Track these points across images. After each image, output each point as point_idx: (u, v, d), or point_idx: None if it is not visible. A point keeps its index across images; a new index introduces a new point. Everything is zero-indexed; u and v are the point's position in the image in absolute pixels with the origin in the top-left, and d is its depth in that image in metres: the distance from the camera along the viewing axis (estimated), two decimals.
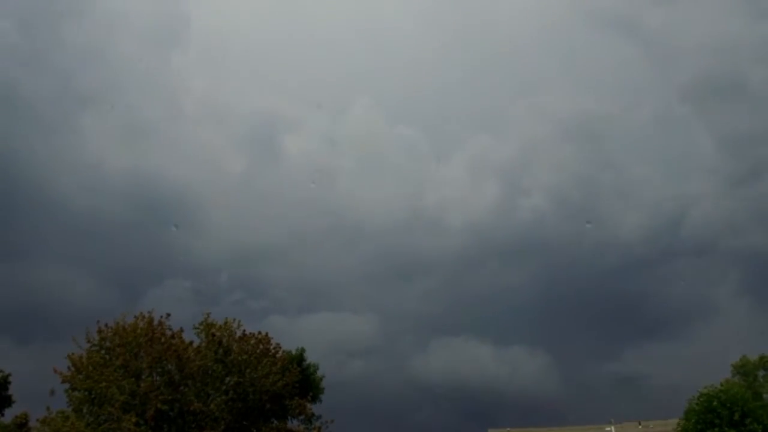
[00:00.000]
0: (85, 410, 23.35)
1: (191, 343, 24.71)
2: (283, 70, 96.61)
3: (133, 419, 21.92)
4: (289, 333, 59.79)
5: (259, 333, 26.11)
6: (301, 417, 26.67)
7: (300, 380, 27.49)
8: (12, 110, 74.33)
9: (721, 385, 31.39)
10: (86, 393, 23.17)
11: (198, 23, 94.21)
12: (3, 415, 32.36)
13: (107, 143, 77.83)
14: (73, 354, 23.93)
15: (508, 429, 48.78)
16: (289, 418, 26.44)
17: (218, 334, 25.26)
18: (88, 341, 24.36)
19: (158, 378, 23.74)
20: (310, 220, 78.91)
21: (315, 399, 32.24)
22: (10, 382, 33.06)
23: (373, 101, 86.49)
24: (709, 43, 79.93)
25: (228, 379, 24.46)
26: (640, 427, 45.82)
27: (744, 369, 39.30)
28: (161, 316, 24.92)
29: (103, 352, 24.21)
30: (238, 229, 75.62)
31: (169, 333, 24.39)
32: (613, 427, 46.32)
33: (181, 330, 24.76)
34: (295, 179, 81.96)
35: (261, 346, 25.76)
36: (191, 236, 71.31)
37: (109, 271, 63.60)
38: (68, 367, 23.74)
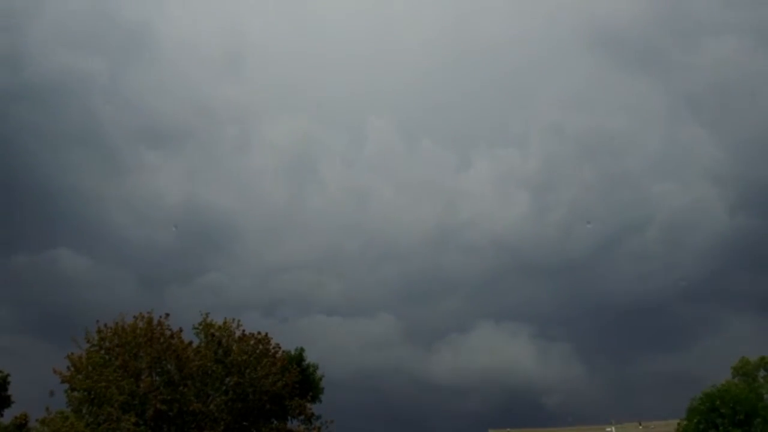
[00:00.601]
0: (84, 410, 23.30)
1: (190, 343, 24.68)
2: (310, 94, 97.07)
3: (133, 419, 21.88)
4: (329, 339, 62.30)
5: (259, 333, 26.04)
6: (301, 417, 26.62)
7: (300, 380, 27.43)
8: (90, 147, 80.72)
9: (723, 385, 31.32)
10: (85, 393, 23.12)
11: (253, 56, 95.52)
12: (2, 415, 32.29)
13: (168, 177, 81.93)
14: (72, 354, 23.88)
15: (508, 429, 48.69)
16: (289, 418, 26.41)
17: (218, 334, 25.23)
18: (88, 341, 24.31)
19: (157, 378, 23.72)
20: (342, 239, 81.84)
21: (315, 399, 32.14)
22: (9, 383, 32.99)
23: (395, 120, 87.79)
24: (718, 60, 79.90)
25: (228, 379, 24.43)
26: (640, 427, 45.76)
27: (744, 370, 39.16)
28: (160, 316, 24.89)
29: (102, 352, 24.15)
30: (276, 251, 78.15)
31: (168, 333, 24.34)
32: (613, 428, 46.29)
33: (181, 330, 24.73)
34: (330, 200, 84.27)
35: (260, 347, 25.69)
36: (229, 257, 75.49)
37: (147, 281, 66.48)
38: (68, 367, 23.69)
